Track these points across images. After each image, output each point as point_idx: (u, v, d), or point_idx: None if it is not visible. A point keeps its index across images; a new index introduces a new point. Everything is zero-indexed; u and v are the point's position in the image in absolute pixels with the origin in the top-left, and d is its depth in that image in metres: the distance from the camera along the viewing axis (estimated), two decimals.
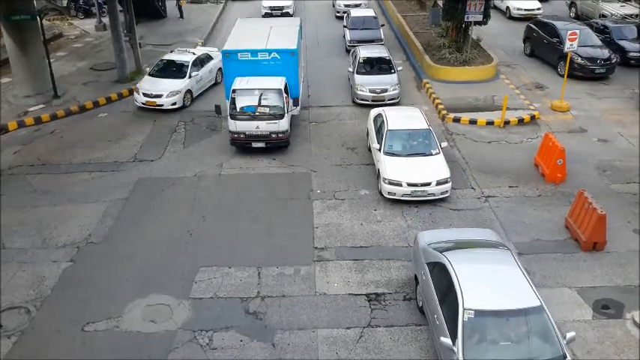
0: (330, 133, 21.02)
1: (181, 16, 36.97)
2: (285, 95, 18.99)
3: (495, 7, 36.35)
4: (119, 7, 26.21)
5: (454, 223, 15.63)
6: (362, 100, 23.11)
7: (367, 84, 23.07)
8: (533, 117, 21.88)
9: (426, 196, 16.25)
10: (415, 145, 17.40)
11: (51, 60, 24.24)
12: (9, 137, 20.88)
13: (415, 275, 12.85)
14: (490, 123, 21.51)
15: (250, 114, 18.73)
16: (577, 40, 21.95)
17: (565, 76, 22.58)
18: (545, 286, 13.31)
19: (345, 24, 31.70)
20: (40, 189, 17.61)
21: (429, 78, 25.72)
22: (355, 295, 13.15)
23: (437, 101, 23.23)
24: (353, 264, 14.16)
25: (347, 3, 36.94)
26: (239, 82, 19.16)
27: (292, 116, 20.42)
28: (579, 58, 25.02)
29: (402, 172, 16.35)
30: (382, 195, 16.67)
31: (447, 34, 27.80)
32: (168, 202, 16.90)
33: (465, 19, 25.38)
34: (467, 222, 15.68)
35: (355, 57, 24.71)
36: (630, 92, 24.23)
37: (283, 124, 18.81)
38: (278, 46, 20.03)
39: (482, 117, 21.83)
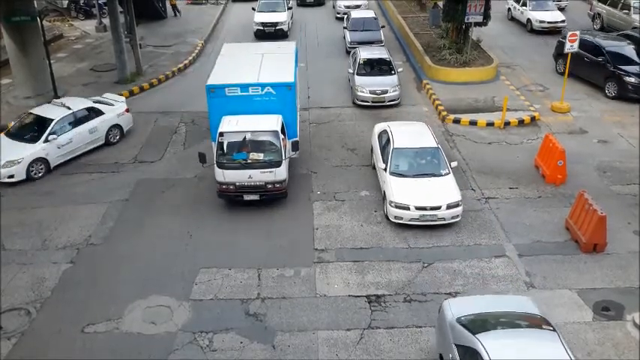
0: (330, 134, 21.02)
1: (176, 14, 36.97)
2: (282, 137, 16.30)
3: (513, 19, 35.28)
4: (119, 8, 26.21)
5: (454, 225, 15.60)
6: (362, 101, 22.98)
7: (367, 85, 22.96)
8: (533, 118, 21.88)
9: (435, 221, 15.20)
10: (423, 164, 16.40)
11: (51, 61, 24.23)
12: None
13: (440, 355, 10.71)
14: (490, 124, 21.50)
15: (241, 161, 15.97)
16: (577, 42, 21.95)
17: (565, 76, 22.56)
18: (546, 287, 13.32)
19: (345, 25, 31.61)
20: (40, 190, 17.61)
21: (429, 79, 25.72)
22: (355, 296, 13.14)
23: (437, 102, 23.23)
24: (353, 265, 14.16)
25: (347, 4, 36.94)
26: (227, 123, 16.40)
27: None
28: (633, 78, 22.95)
29: (410, 194, 15.30)
30: (388, 219, 15.62)
31: (447, 35, 27.80)
32: (169, 203, 16.90)
33: (465, 21, 25.38)
34: (467, 223, 15.68)
35: (355, 58, 24.59)
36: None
37: (281, 173, 15.99)
38: (272, 78, 17.30)
39: (482, 118, 21.83)
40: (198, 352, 11.71)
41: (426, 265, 14.13)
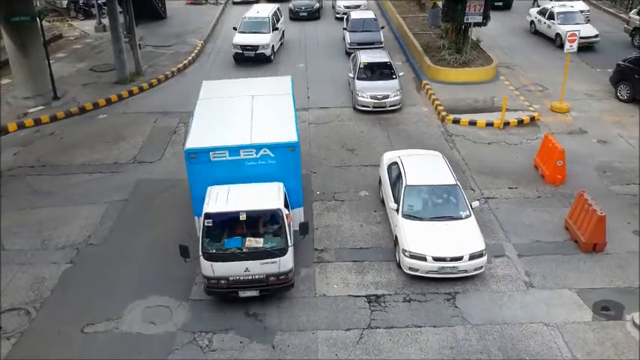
0: (329, 135, 21.02)
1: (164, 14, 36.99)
2: (286, 212, 12.80)
3: (537, 33, 32.30)
4: (119, 8, 26.22)
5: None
6: (363, 106, 22.53)
7: (368, 90, 22.48)
8: (532, 118, 21.89)
9: (456, 274, 13.26)
10: (441, 205, 14.40)
11: (51, 61, 24.25)
12: (9, 138, 20.88)
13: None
14: (490, 124, 21.51)
15: (235, 251, 12.37)
16: (576, 42, 21.98)
17: (565, 76, 22.55)
18: (545, 287, 13.32)
19: (344, 26, 31.43)
20: (39, 190, 17.62)
21: (428, 79, 25.72)
22: (355, 296, 13.14)
23: (436, 102, 23.23)
24: (353, 265, 14.15)
25: (347, 4, 36.94)
26: (214, 198, 12.84)
27: None
28: None
29: (426, 242, 13.28)
30: (401, 268, 13.71)
31: (447, 36, 27.81)
32: (168, 203, 16.89)
33: (465, 21, 25.39)
34: None
35: (356, 62, 24.11)
36: None
37: (286, 262, 12.51)
38: (270, 137, 13.74)
39: (481, 118, 21.83)
40: (198, 352, 11.71)
41: None
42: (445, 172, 15.06)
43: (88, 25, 35.18)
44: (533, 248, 14.70)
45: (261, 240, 12.60)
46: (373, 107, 22.37)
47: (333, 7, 38.63)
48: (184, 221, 15.91)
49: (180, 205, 16.69)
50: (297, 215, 14.28)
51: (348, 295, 13.16)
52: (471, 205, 14.30)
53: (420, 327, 12.22)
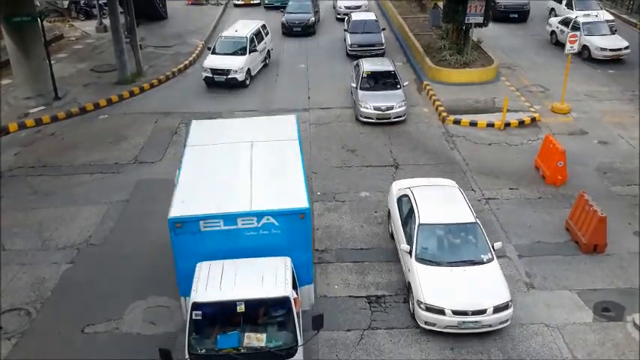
0: (330, 135, 21.02)
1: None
2: (295, 297, 10.44)
3: (559, 44, 29.52)
4: (120, 9, 26.23)
5: None
6: (366, 117, 21.50)
7: (371, 100, 21.48)
8: (533, 119, 21.88)
9: (479, 329, 11.77)
10: (459, 246, 12.75)
11: (52, 61, 24.26)
12: (9, 139, 20.89)
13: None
14: (490, 125, 21.50)
15: (231, 352, 9.89)
16: (577, 43, 21.97)
17: (565, 77, 22.54)
18: (546, 288, 13.32)
19: (345, 27, 31.14)
20: (40, 190, 17.62)
21: (429, 80, 25.71)
22: (355, 297, 13.13)
23: (437, 103, 23.23)
24: (353, 266, 14.15)
25: (347, 5, 36.92)
26: (205, 282, 10.45)
27: None
28: None
29: (445, 292, 11.74)
30: (416, 321, 12.16)
31: (448, 36, 27.80)
32: (169, 203, 16.83)
33: (466, 21, 25.40)
34: None
35: (358, 71, 23.14)
36: (630, 94, 24.24)
37: None
38: (275, 202, 11.15)
39: (482, 119, 21.82)
40: None
41: None
42: (463, 208, 13.35)
43: (89, 26, 35.20)
44: (534, 249, 14.69)
45: (264, 336, 10.01)
46: (377, 119, 21.43)
47: (334, 8, 38.63)
48: None
49: None
50: (307, 295, 11.86)
51: (349, 296, 13.15)
52: (493, 247, 12.62)
53: (420, 328, 12.18)
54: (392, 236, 14.68)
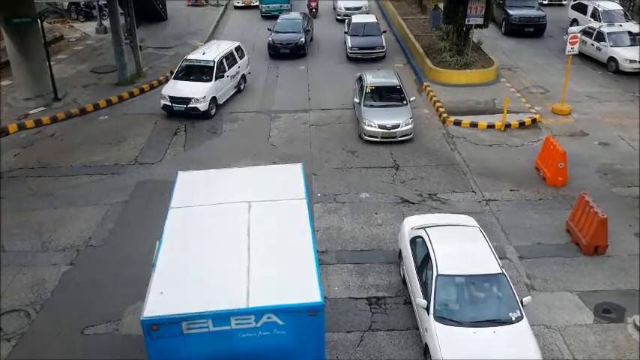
0: (330, 136, 21.00)
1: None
2: None
3: (582, 56, 27.91)
4: (120, 10, 26.22)
5: None
6: (370, 136, 20.08)
7: (376, 118, 20.12)
8: (534, 120, 21.86)
9: None
10: (483, 302, 11.19)
11: (51, 62, 24.25)
12: (9, 140, 20.87)
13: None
14: (491, 126, 21.48)
15: None
16: (577, 44, 21.96)
17: (566, 78, 22.53)
18: (546, 290, 13.30)
19: (345, 30, 30.93)
20: (40, 192, 17.59)
21: (429, 81, 25.70)
22: (356, 298, 13.11)
23: (437, 104, 23.21)
24: (353, 267, 14.12)
25: (347, 6, 36.91)
26: None
27: None
28: None
29: (469, 358, 10.25)
30: None
31: (448, 38, 27.79)
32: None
33: (466, 23, 25.40)
34: None
35: (362, 85, 21.72)
36: (631, 95, 24.23)
37: None
38: (278, 294, 9.07)
39: (483, 120, 21.80)
40: None
41: None
42: (486, 254, 11.72)
43: (89, 27, 35.21)
44: (535, 251, 14.67)
45: None
46: (382, 138, 19.99)
47: (334, 9, 38.63)
48: None
49: None
50: None
51: (349, 298, 13.13)
52: (521, 302, 11.06)
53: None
54: (404, 281, 13.16)
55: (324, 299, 9.03)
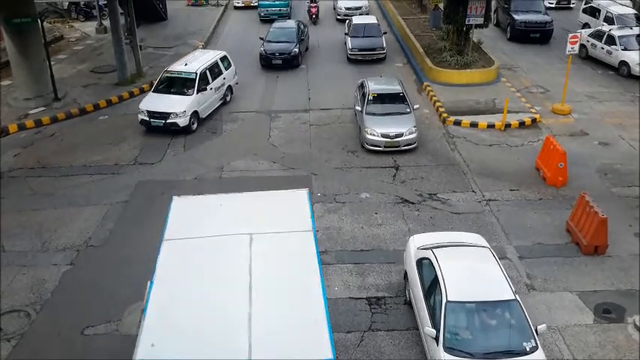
0: (330, 136, 20.99)
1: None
2: None
3: (589, 58, 27.97)
4: (120, 10, 26.22)
5: (455, 227, 15.58)
6: (373, 145, 19.39)
7: (379, 126, 19.39)
8: (534, 120, 21.86)
9: None
10: (495, 330, 10.48)
11: (51, 62, 24.23)
12: (9, 140, 20.87)
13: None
14: (491, 126, 21.48)
15: None
16: (577, 44, 21.95)
17: (566, 78, 22.52)
18: (547, 290, 13.29)
19: (346, 31, 30.66)
20: (40, 192, 17.59)
21: (429, 81, 25.69)
22: (356, 298, 13.11)
23: (437, 104, 23.21)
24: (353, 267, 14.12)
25: (348, 5, 36.88)
26: None
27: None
28: None
29: None
30: None
31: (448, 37, 27.78)
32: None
33: (466, 23, 25.39)
34: (468, 225, 15.64)
35: (364, 92, 21.04)
36: (631, 95, 24.23)
37: None
38: (283, 350, 8.06)
39: (483, 120, 21.80)
40: None
41: None
42: (499, 278, 11.00)
43: (89, 27, 35.20)
44: (535, 250, 14.67)
45: None
46: (384, 147, 19.32)
47: (334, 9, 38.59)
48: None
49: None
50: None
51: (349, 298, 13.13)
52: (536, 331, 10.37)
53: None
54: (410, 303, 12.45)
55: (335, 355, 8.03)
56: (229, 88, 24.12)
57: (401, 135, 19.29)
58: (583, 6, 33.75)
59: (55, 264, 14.34)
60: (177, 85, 21.88)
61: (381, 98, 20.62)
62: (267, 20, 35.43)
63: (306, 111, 23.10)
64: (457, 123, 21.79)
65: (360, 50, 28.49)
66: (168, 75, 22.27)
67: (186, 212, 11.35)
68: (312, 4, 36.16)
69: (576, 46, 21.97)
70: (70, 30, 35.16)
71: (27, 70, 23.17)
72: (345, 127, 21.75)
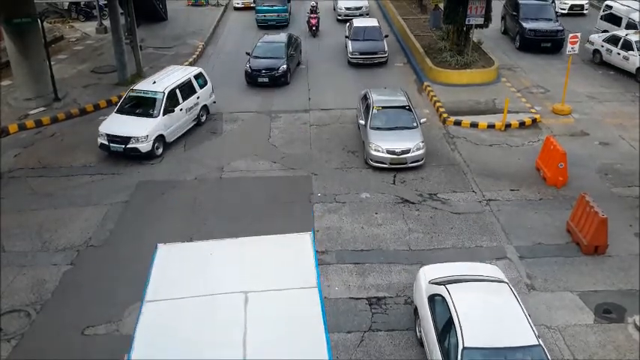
0: (330, 137, 20.99)
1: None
2: None
3: (604, 63, 27.11)
4: (120, 10, 26.23)
5: (455, 227, 15.59)
6: (378, 162, 18.34)
7: (384, 142, 18.32)
8: (534, 120, 21.85)
9: None
10: None
11: (52, 63, 24.23)
12: (10, 140, 20.86)
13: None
14: (491, 126, 21.48)
15: None
16: (577, 44, 21.94)
17: (566, 78, 22.52)
18: (547, 290, 13.29)
19: (346, 34, 29.87)
20: (40, 192, 17.58)
21: (429, 81, 25.69)
22: (356, 298, 13.11)
23: (438, 104, 23.21)
24: (354, 267, 14.12)
25: (348, 5, 36.82)
26: None
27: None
28: None
29: None
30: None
31: (448, 37, 27.79)
32: (169, 205, 16.86)
33: (466, 23, 25.40)
34: (468, 225, 15.64)
35: (367, 105, 19.92)
36: (631, 95, 24.22)
37: None
38: None
39: (483, 120, 21.80)
40: None
41: None
42: (520, 320, 10.05)
43: (89, 27, 35.21)
44: (535, 250, 14.66)
45: None
46: (390, 164, 18.25)
47: (335, 9, 38.54)
48: (185, 223, 15.91)
49: (181, 207, 16.69)
50: None
51: (349, 298, 13.13)
52: None
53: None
54: (421, 342, 11.55)
55: None
56: (205, 107, 22.13)
57: (408, 151, 18.24)
58: (602, 12, 31.68)
59: (55, 264, 14.34)
60: (142, 105, 19.90)
61: (386, 112, 19.48)
62: (265, 26, 34.72)
63: (306, 111, 23.10)
64: (457, 123, 21.79)
65: (361, 54, 27.93)
66: (134, 94, 20.33)
67: (172, 264, 9.96)
68: (311, 15, 33.76)
69: (576, 46, 21.95)
70: (71, 30, 35.16)
71: (27, 70, 23.17)
72: (346, 127, 21.74)
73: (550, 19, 30.32)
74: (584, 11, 36.76)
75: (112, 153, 19.21)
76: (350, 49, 28.46)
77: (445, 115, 22.16)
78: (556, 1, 34.74)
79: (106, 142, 19.06)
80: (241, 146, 20.30)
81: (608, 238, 14.36)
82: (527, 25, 29.69)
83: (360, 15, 35.82)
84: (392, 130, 18.89)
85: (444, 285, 10.85)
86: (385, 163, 18.28)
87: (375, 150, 18.33)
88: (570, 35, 22.13)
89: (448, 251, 14.69)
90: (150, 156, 19.20)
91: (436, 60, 26.56)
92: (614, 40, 26.98)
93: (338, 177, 18.26)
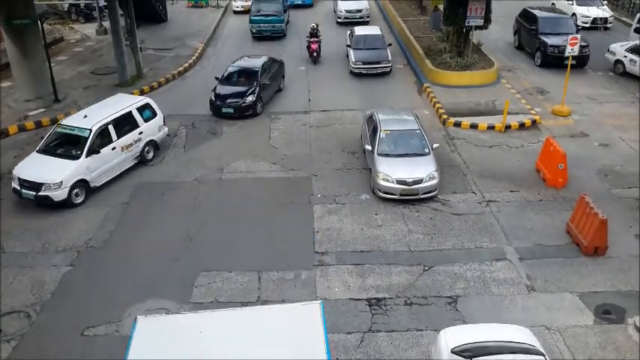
0: (330, 138, 20.99)
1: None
2: None
3: (626, 74, 25.82)
4: (120, 11, 26.24)
5: (455, 228, 15.59)
6: (386, 193, 16.65)
7: (394, 171, 16.67)
8: (534, 121, 21.85)
9: None
10: None
11: (51, 64, 24.23)
12: (9, 141, 20.86)
13: None
14: (491, 127, 21.48)
15: None
16: (577, 46, 21.94)
17: (566, 79, 22.52)
18: (547, 291, 13.29)
19: (348, 43, 28.49)
20: None
21: (429, 82, 25.70)
22: (356, 299, 13.10)
23: (437, 106, 23.22)
24: (354, 268, 14.12)
25: (348, 8, 36.69)
26: None
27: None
28: None
29: None
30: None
31: (448, 39, 27.79)
32: (169, 206, 16.86)
33: (466, 24, 25.41)
34: (468, 226, 15.65)
35: (374, 127, 18.37)
36: (631, 96, 24.23)
37: None
38: None
39: (483, 121, 21.80)
40: None
41: (426, 268, 14.08)
42: None
43: (89, 28, 35.19)
44: (535, 252, 14.66)
45: None
46: (400, 195, 16.59)
47: (335, 12, 38.40)
48: (185, 224, 15.91)
49: (181, 209, 16.69)
50: None
51: (349, 299, 13.12)
52: None
53: (421, 330, 12.17)
54: None
55: None
56: (151, 143, 19.26)
57: (420, 181, 16.54)
58: (635, 24, 29.14)
59: (55, 265, 14.34)
60: (66, 144, 17.32)
61: (395, 136, 17.87)
62: (260, 37, 32.73)
63: (306, 112, 23.10)
64: (457, 124, 21.79)
65: (364, 63, 26.63)
66: (60, 130, 17.61)
67: (151, 345, 8.28)
68: (311, 39, 29.06)
69: (576, 47, 21.95)
70: (70, 31, 35.15)
71: (27, 71, 23.17)
72: (345, 128, 21.74)
73: (572, 34, 26.86)
74: (608, 24, 33.75)
75: (23, 200, 16.63)
76: (352, 58, 27.09)
77: (445, 117, 22.17)
78: (577, 14, 33.10)
79: (18, 187, 16.50)
80: (241, 147, 20.30)
81: (608, 239, 14.36)
82: (549, 40, 27.13)
83: (361, 17, 35.63)
84: (402, 157, 17.33)
85: (470, 358, 9.38)
86: (395, 194, 16.62)
87: (384, 180, 16.63)
88: (570, 37, 22.14)
89: (448, 252, 14.68)
90: (66, 204, 16.46)
91: (436, 61, 26.56)
92: (637, 51, 25.42)
93: (338, 178, 18.26)
